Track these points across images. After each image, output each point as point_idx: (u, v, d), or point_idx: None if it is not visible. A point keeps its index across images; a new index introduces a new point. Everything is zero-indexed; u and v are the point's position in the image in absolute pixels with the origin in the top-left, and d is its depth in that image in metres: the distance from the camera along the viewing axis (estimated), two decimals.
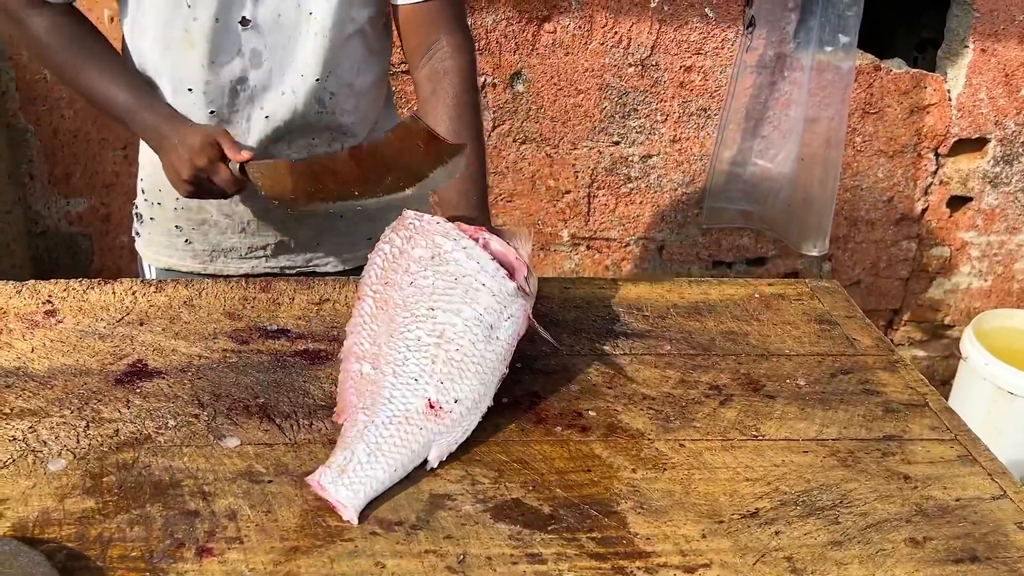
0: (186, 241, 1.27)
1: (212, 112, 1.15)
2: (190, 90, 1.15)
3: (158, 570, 0.69)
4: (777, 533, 0.76)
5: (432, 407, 0.82)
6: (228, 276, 1.26)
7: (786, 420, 0.92)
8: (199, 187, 1.11)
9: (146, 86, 1.16)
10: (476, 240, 0.94)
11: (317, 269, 1.31)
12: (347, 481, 0.76)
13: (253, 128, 1.17)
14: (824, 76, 2.05)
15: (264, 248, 1.28)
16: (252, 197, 1.21)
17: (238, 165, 1.08)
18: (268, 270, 1.29)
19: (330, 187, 1.05)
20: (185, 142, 1.08)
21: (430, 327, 0.87)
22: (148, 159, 1.25)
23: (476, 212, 1.11)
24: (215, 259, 1.29)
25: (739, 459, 0.85)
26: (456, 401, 0.83)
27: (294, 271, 1.30)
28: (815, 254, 2.14)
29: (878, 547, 0.75)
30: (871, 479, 0.83)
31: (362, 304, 0.92)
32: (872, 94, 2.23)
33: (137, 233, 1.34)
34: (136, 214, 1.33)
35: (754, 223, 2.26)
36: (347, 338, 0.91)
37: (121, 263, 2.23)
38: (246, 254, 1.29)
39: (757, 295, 1.17)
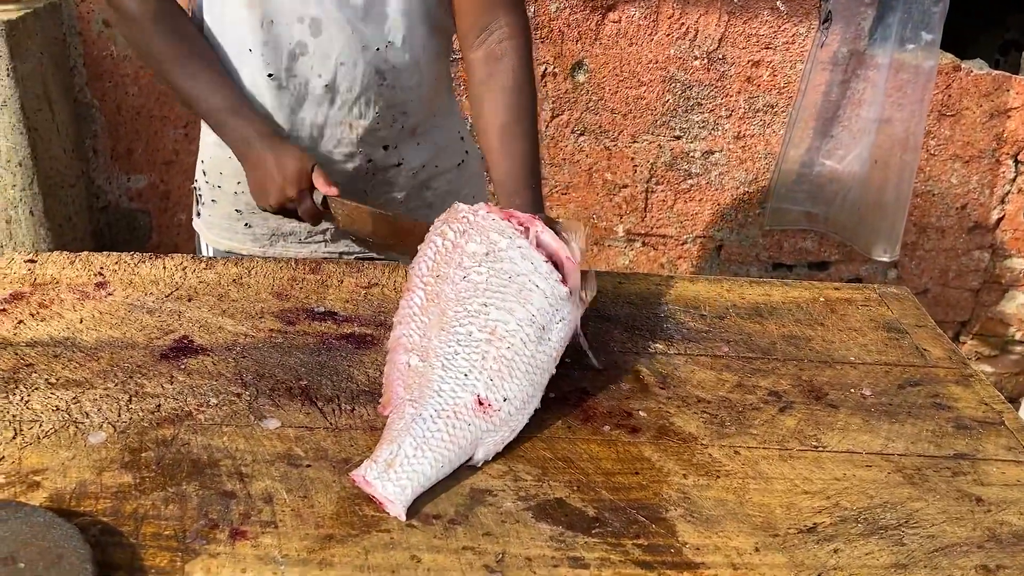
0: (246, 225, 1.27)
1: (270, 75, 1.13)
2: (250, 51, 1.13)
3: (190, 550, 0.67)
4: (836, 551, 0.71)
5: (481, 404, 0.80)
6: (267, 257, 1.25)
7: (849, 432, 0.87)
8: (282, 210, 1.13)
9: (237, 89, 1.14)
10: (528, 230, 0.91)
11: (375, 256, 1.29)
12: (394, 476, 0.73)
13: (311, 94, 1.15)
14: (902, 75, 1.97)
15: (324, 232, 1.27)
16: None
17: (322, 197, 1.11)
18: (327, 255, 1.28)
19: (407, 246, 1.03)
20: (280, 167, 1.09)
21: (482, 323, 0.84)
22: (210, 141, 1.24)
23: (532, 202, 1.08)
24: (274, 243, 1.28)
25: (797, 470, 0.81)
26: (505, 400, 0.81)
27: (352, 257, 1.29)
28: (885, 259, 2.07)
29: (946, 572, 0.70)
30: (940, 499, 0.78)
31: (412, 295, 0.89)
32: (950, 95, 2.13)
33: (197, 213, 1.33)
34: (196, 195, 1.33)
35: (819, 225, 2.18)
36: (395, 329, 0.88)
37: (179, 240, 2.25)
38: (305, 238, 1.27)
39: (822, 299, 1.12)
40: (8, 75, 1.81)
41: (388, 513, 0.72)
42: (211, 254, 1.33)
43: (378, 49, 1.13)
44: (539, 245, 0.91)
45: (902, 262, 2.30)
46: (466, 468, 0.78)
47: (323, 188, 1.10)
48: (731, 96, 2.10)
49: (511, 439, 0.81)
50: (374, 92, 1.15)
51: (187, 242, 2.14)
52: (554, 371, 0.86)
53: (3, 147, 1.88)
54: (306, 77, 1.14)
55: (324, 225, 1.26)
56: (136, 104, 2.10)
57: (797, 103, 2.05)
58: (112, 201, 2.22)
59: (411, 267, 0.92)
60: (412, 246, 0.99)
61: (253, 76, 1.14)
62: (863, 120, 2.04)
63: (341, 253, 1.29)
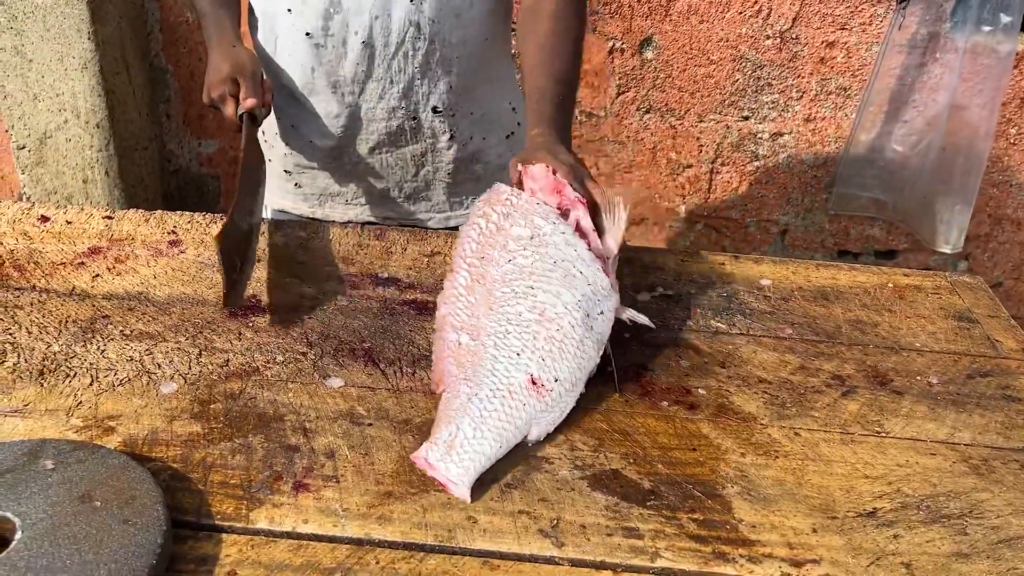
0: (296, 184, 1.29)
1: (308, 34, 1.13)
2: (288, 11, 1.14)
3: (255, 499, 0.70)
4: (896, 536, 0.70)
5: (534, 383, 0.80)
6: (333, 222, 1.27)
7: (914, 419, 0.85)
8: (214, 106, 1.15)
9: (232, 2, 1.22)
10: (569, 212, 0.93)
11: (419, 223, 1.30)
12: (456, 458, 0.73)
13: (350, 53, 1.14)
14: (979, 60, 1.90)
15: (369, 195, 1.28)
16: (362, 143, 1.21)
17: (244, 114, 1.11)
18: (371, 219, 1.29)
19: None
20: (216, 67, 1.13)
21: (530, 304, 0.85)
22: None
23: (559, 125, 1.05)
24: (323, 203, 1.29)
25: (859, 454, 0.79)
26: (556, 380, 0.81)
27: (395, 222, 1.30)
28: (947, 251, 2.00)
29: (1010, 565, 0.68)
30: (1007, 491, 0.76)
31: (456, 276, 0.90)
32: None
33: (295, 184, 1.35)
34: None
35: (886, 213, 2.13)
36: (440, 308, 0.89)
37: None
38: (351, 200, 1.29)
39: (890, 284, 1.09)
40: (89, 38, 1.86)
41: (453, 494, 0.71)
42: (268, 214, 1.35)
43: (412, 1, 1.11)
44: (579, 230, 0.92)
45: (974, 254, 2.23)
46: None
47: (243, 100, 1.10)
48: (803, 77, 2.06)
49: (560, 421, 0.81)
50: (411, 46, 1.14)
51: None
52: (598, 360, 0.85)
53: (82, 108, 1.94)
54: (343, 35, 1.13)
55: (370, 187, 1.27)
56: None
57: (869, 85, 1.99)
58: (183, 165, 2.27)
59: (456, 248, 0.92)
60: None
61: (293, 36, 1.15)
62: (937, 105, 1.97)
63: (385, 218, 1.30)
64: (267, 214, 1.35)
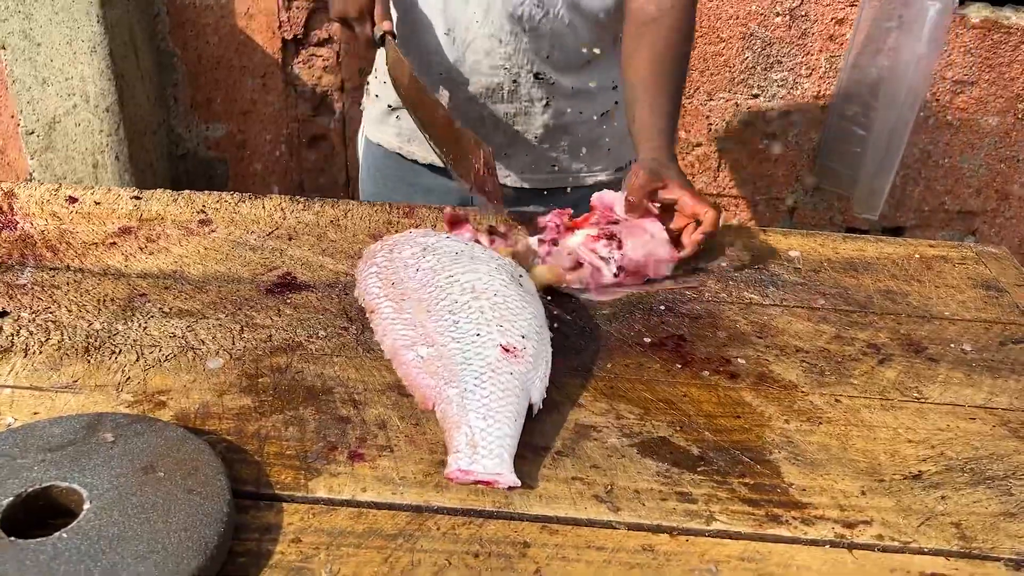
0: (396, 118, 1.33)
1: None
2: None
3: (312, 469, 0.70)
4: (943, 498, 0.72)
5: (507, 350, 0.79)
6: (414, 161, 1.34)
7: (951, 385, 0.86)
8: (347, 26, 1.19)
9: None
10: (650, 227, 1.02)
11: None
12: (484, 452, 0.70)
13: (472, 2, 1.16)
14: (908, 40, 1.85)
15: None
16: (460, 91, 1.24)
17: (380, 32, 1.16)
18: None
19: (427, 124, 1.17)
20: None
21: (458, 288, 0.85)
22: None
23: (664, 149, 1.08)
24: (411, 141, 1.33)
25: (900, 420, 0.81)
26: (523, 337, 0.80)
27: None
28: (868, 217, 2.01)
29: None
30: None
31: (380, 311, 0.87)
32: None
33: (362, 107, 1.42)
34: (366, 88, 1.41)
35: (847, 188, 2.09)
36: (383, 343, 0.85)
37: (253, 190, 2.29)
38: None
39: (917, 256, 1.10)
40: (98, 21, 1.85)
41: (502, 486, 0.69)
42: (362, 143, 1.43)
43: None
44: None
45: (981, 229, 2.25)
46: (568, 405, 0.80)
47: (379, 19, 1.15)
48: (812, 55, 2.06)
49: (549, 370, 0.80)
50: (528, 11, 1.15)
51: (262, 192, 2.18)
52: (542, 310, 0.88)
53: (92, 92, 1.93)
54: None
55: None
56: (216, 54, 2.14)
57: (848, 55, 1.97)
58: (191, 149, 2.26)
59: (362, 298, 0.91)
60: (434, 132, 1.14)
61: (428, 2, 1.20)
62: (900, 73, 1.92)
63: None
64: (362, 143, 1.43)
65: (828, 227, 2.27)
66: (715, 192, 2.24)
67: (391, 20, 1.17)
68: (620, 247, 0.99)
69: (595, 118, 1.28)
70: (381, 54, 1.22)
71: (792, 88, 2.09)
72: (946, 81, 2.06)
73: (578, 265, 0.99)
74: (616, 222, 1.03)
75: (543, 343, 0.82)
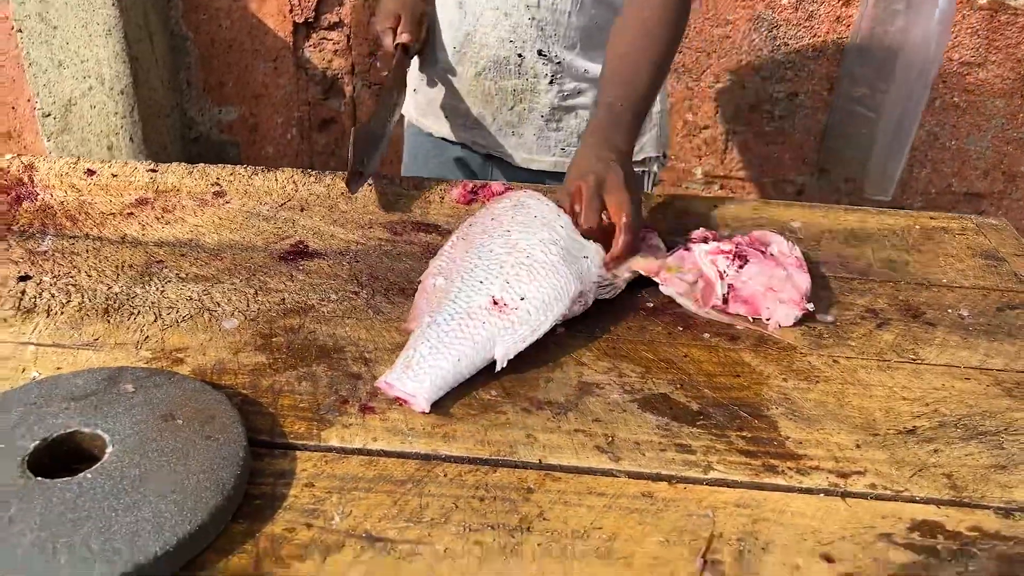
0: (414, 90, 1.39)
1: None
2: None
3: (325, 420, 0.73)
4: (936, 451, 0.74)
5: (496, 303, 0.81)
6: (429, 135, 1.40)
7: (947, 347, 0.88)
8: (378, 38, 1.32)
9: None
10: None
11: (505, 156, 1.33)
12: (411, 375, 0.75)
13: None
14: (920, 20, 1.85)
15: (466, 116, 1.33)
16: (469, 65, 1.27)
17: (399, 45, 1.27)
18: (462, 140, 1.36)
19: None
20: (386, 5, 1.31)
21: (503, 241, 0.88)
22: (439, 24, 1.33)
23: (621, 131, 1.02)
24: (426, 114, 1.39)
25: (896, 379, 0.83)
26: (523, 299, 0.82)
27: (483, 150, 1.35)
28: (879, 198, 2.01)
29: None
30: None
31: (444, 245, 0.94)
32: None
33: (414, 89, 1.42)
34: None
35: (854, 172, 2.10)
36: (430, 266, 0.91)
37: None
38: (448, 116, 1.35)
39: (917, 227, 1.12)
40: (113, 4, 1.88)
41: (415, 409, 0.74)
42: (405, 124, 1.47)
43: None
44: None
45: (988, 211, 2.26)
46: (572, 364, 0.82)
47: (401, 35, 1.27)
48: (819, 36, 2.07)
49: (533, 339, 0.80)
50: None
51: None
52: (586, 290, 0.87)
53: (107, 75, 1.96)
54: None
55: (467, 107, 1.32)
56: (228, 37, 2.16)
57: (855, 35, 1.98)
58: (203, 132, 2.29)
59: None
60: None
61: None
62: (907, 56, 1.93)
63: (474, 142, 1.35)
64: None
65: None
66: (723, 174, 2.25)
67: (413, 35, 1.28)
68: (741, 269, 0.92)
69: (595, 106, 1.29)
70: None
71: (799, 70, 2.10)
72: (952, 63, 2.07)
73: (699, 276, 0.93)
74: (763, 252, 0.95)
75: (542, 312, 0.82)
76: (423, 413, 0.74)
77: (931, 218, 1.14)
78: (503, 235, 0.89)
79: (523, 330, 0.81)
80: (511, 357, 0.79)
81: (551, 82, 1.26)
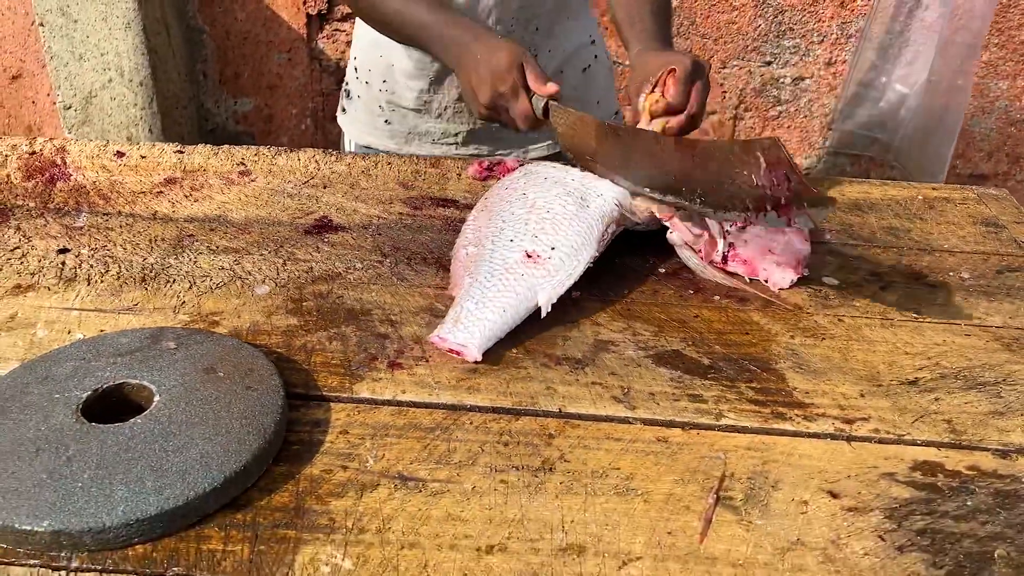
0: (385, 121, 1.35)
1: None
2: None
3: (356, 375, 0.77)
4: (937, 400, 0.77)
5: (529, 256, 0.87)
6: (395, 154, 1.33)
7: (949, 307, 0.92)
8: (496, 112, 1.04)
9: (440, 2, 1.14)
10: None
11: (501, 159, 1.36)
12: (461, 327, 0.80)
13: (454, 4, 1.18)
14: None
15: (456, 135, 1.33)
16: (451, 85, 1.26)
17: (542, 102, 1.01)
18: (456, 156, 1.35)
19: (638, 162, 0.96)
20: (490, 61, 1.02)
21: (522, 203, 0.94)
22: (365, 42, 1.32)
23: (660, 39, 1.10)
24: (410, 141, 1.35)
25: (899, 336, 0.86)
26: (553, 248, 0.88)
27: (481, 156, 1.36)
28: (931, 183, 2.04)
29: None
30: None
31: (466, 221, 0.99)
32: None
33: (343, 110, 1.42)
34: (345, 91, 1.42)
35: (876, 152, 2.15)
36: (456, 244, 0.96)
37: None
38: (438, 139, 1.34)
39: (920, 197, 1.15)
40: None
41: (467, 359, 0.79)
42: (352, 149, 1.41)
43: None
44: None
45: None
46: (588, 323, 0.86)
47: (538, 87, 1.00)
48: (824, 21, 2.10)
49: (571, 283, 0.86)
50: None
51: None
52: (605, 234, 0.92)
53: (126, 67, 2.00)
54: None
55: (457, 127, 1.31)
56: (243, 30, 2.21)
57: (868, 24, 2.02)
58: (219, 123, 2.34)
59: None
60: (648, 164, 0.93)
61: None
62: (933, 44, 1.98)
63: (471, 155, 1.36)
64: (351, 148, 1.42)
65: None
66: None
67: (552, 82, 1.01)
68: (743, 230, 0.95)
69: (578, 74, 1.32)
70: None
71: (804, 55, 2.14)
72: (956, 45, 2.09)
73: (704, 229, 0.96)
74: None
75: (573, 258, 0.88)
76: (449, 368, 0.78)
77: (933, 189, 1.18)
78: (520, 198, 0.95)
79: (560, 275, 0.86)
80: (554, 301, 0.84)
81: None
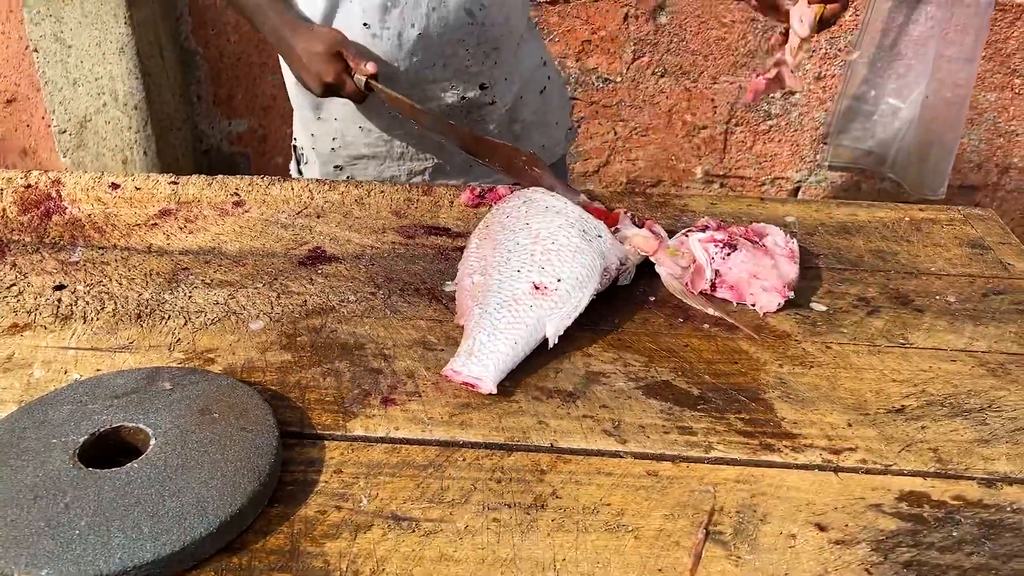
0: (348, 177, 1.35)
1: (365, 24, 1.18)
2: (350, 1, 1.18)
3: (349, 412, 0.78)
4: (923, 428, 0.78)
5: (537, 287, 0.88)
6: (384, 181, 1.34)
7: (935, 332, 0.93)
8: (332, 93, 1.19)
9: None
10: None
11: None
12: (476, 360, 0.82)
13: (404, 44, 1.20)
14: (960, 10, 1.93)
15: (423, 172, 1.34)
16: (408, 126, 1.27)
17: (363, 80, 1.16)
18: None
19: (440, 134, 1.21)
20: (310, 51, 1.14)
21: (526, 233, 0.95)
22: (299, 101, 1.33)
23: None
24: (367, 165, 1.35)
25: (886, 363, 0.87)
26: (559, 280, 0.89)
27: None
28: (930, 197, 2.07)
29: None
30: (1022, 389, 0.84)
31: (467, 247, 1.01)
32: None
33: (300, 172, 1.41)
34: (296, 151, 1.41)
35: (872, 164, 2.17)
36: (459, 270, 0.98)
37: None
38: (406, 180, 1.35)
39: (907, 218, 1.17)
40: (125, 23, 1.94)
41: (482, 391, 0.80)
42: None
43: None
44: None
45: (983, 203, 2.30)
46: (579, 355, 0.87)
47: (359, 68, 1.15)
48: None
49: (576, 315, 0.88)
50: (464, 31, 1.21)
51: None
52: (609, 265, 0.93)
53: (121, 91, 2.02)
54: (399, 28, 1.19)
55: (423, 164, 1.33)
56: (237, 51, 2.22)
57: (859, 39, 2.04)
58: (214, 144, 2.35)
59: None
60: (447, 139, 1.16)
61: (349, 22, 1.19)
62: (926, 57, 2.01)
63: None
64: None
65: None
66: (722, 173, 2.30)
67: (370, 62, 1.16)
68: (728, 256, 0.97)
69: (536, 97, 1.33)
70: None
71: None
72: (951, 60, 2.11)
73: (692, 261, 0.99)
74: (755, 242, 0.99)
75: (579, 290, 0.89)
76: (442, 403, 0.79)
77: (920, 210, 1.19)
78: (524, 228, 0.96)
79: (567, 307, 0.88)
80: (561, 333, 0.86)
81: (491, 103, 1.29)
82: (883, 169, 2.18)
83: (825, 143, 2.21)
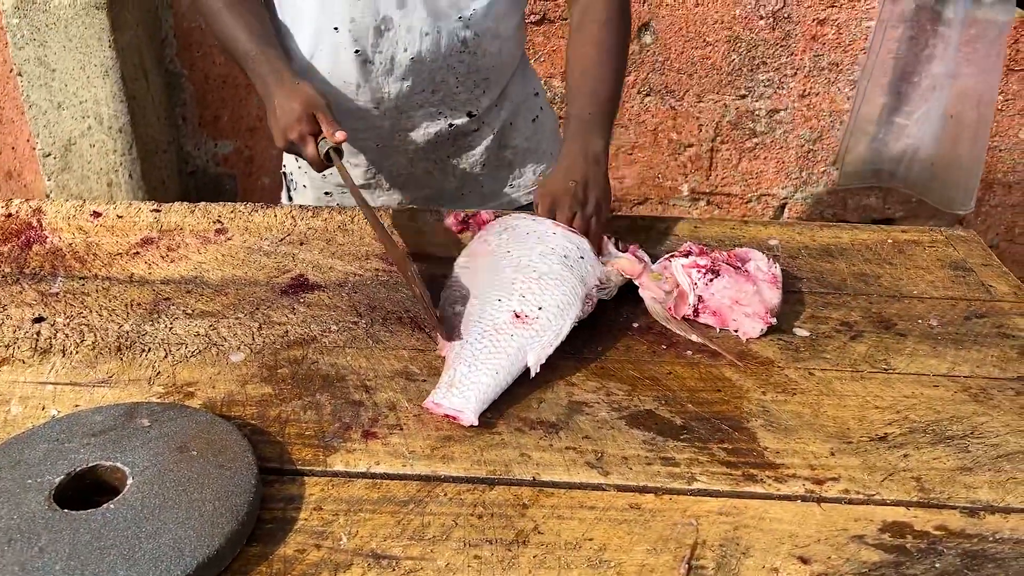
0: (338, 204, 1.34)
1: (357, 51, 1.17)
2: (336, 29, 1.17)
3: (330, 447, 0.77)
4: (906, 456, 0.78)
5: (518, 316, 0.88)
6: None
7: (917, 356, 0.93)
8: (294, 150, 1.11)
9: (270, 35, 1.15)
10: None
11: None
12: (456, 392, 0.81)
13: (397, 70, 1.19)
14: (973, 30, 1.96)
15: (412, 203, 1.34)
16: (400, 154, 1.27)
17: (327, 149, 1.06)
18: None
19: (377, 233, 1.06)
20: (285, 107, 1.07)
21: (507, 262, 0.95)
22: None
23: (594, 130, 1.14)
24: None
25: (868, 389, 0.87)
26: (540, 308, 0.89)
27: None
28: (960, 212, 2.09)
29: (1009, 475, 0.76)
30: (1003, 415, 0.84)
31: (451, 274, 1.01)
32: (1019, 50, 2.13)
33: (290, 198, 1.41)
34: (287, 179, 1.41)
35: (885, 181, 2.19)
36: (441, 300, 0.97)
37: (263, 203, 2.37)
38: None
39: (890, 240, 1.17)
40: (110, 46, 1.94)
41: (464, 423, 0.80)
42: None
43: (460, 18, 1.18)
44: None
45: (968, 217, 2.31)
46: (563, 384, 0.87)
47: (328, 135, 1.05)
48: (796, 55, 2.13)
49: (558, 343, 0.87)
50: (456, 59, 1.21)
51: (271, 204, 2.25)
52: (585, 290, 0.93)
53: (105, 114, 2.01)
54: (392, 52, 1.18)
55: (412, 195, 1.33)
56: (222, 73, 2.22)
57: (869, 61, 2.06)
58: (200, 166, 2.34)
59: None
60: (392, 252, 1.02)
61: (337, 52, 1.18)
62: (935, 77, 2.03)
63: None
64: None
65: (819, 221, 2.33)
66: (708, 191, 2.31)
67: (339, 129, 1.05)
68: (711, 282, 0.97)
69: (528, 124, 1.34)
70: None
71: (778, 88, 2.17)
72: (964, 75, 2.12)
73: (675, 286, 0.99)
74: (738, 268, 1.00)
75: (560, 318, 0.89)
76: (423, 436, 0.79)
77: (903, 231, 1.20)
78: (505, 256, 0.96)
79: (548, 336, 0.87)
80: (543, 362, 0.85)
81: (478, 129, 1.29)
82: (896, 185, 2.19)
83: (834, 165, 2.22)
